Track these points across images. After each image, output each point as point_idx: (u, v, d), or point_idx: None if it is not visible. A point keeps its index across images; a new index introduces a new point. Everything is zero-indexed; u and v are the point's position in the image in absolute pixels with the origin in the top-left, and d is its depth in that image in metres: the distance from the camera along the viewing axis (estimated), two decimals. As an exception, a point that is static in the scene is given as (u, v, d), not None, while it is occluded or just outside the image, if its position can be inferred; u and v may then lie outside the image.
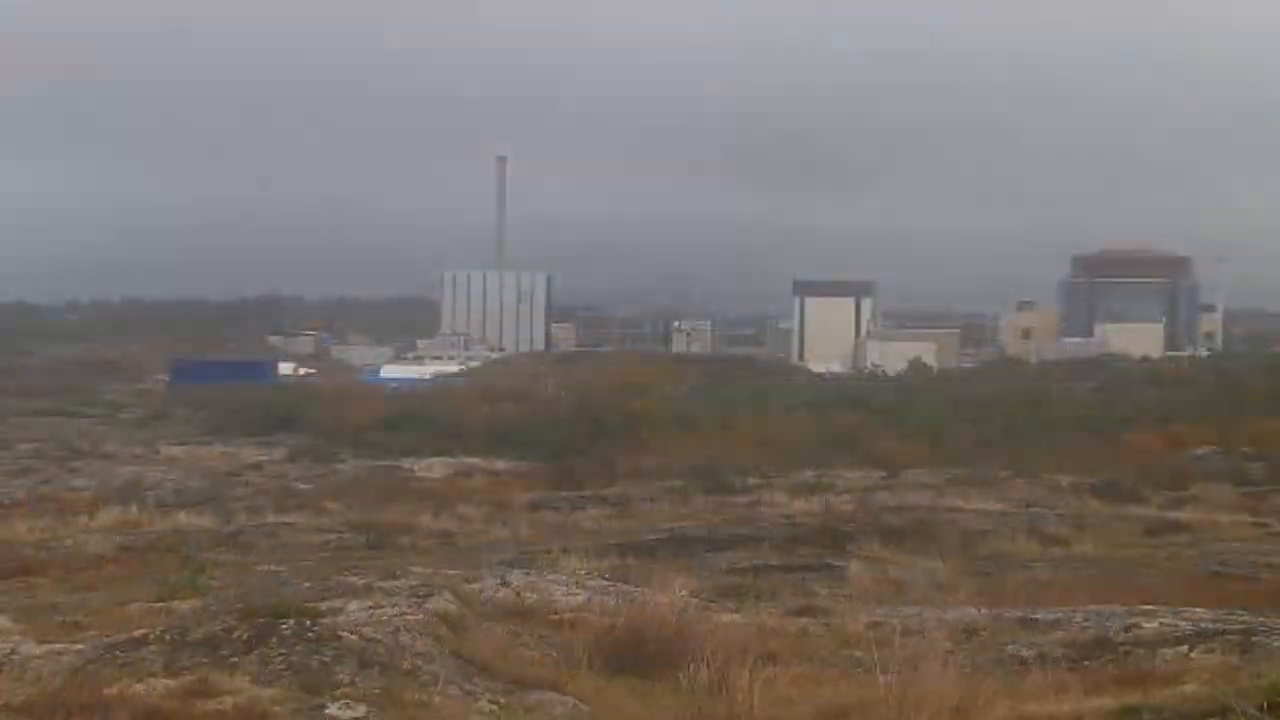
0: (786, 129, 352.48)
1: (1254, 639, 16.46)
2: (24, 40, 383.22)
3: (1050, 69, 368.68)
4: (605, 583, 22.08)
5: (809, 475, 52.83)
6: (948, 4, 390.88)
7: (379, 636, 14.11)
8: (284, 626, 13.87)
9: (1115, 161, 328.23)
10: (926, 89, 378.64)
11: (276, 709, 11.16)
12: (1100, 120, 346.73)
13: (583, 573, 24.12)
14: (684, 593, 20.75)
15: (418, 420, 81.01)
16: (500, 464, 63.51)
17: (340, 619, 14.82)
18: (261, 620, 14.14)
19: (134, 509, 41.91)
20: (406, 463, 63.14)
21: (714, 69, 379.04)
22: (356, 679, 12.64)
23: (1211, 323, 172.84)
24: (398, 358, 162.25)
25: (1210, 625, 17.82)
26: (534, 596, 20.62)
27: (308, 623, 14.05)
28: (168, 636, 14.32)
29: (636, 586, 20.70)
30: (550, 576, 22.79)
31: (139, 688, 12.09)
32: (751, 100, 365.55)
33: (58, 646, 15.35)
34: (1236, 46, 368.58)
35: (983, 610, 20.62)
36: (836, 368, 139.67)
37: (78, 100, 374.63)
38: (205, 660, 13.27)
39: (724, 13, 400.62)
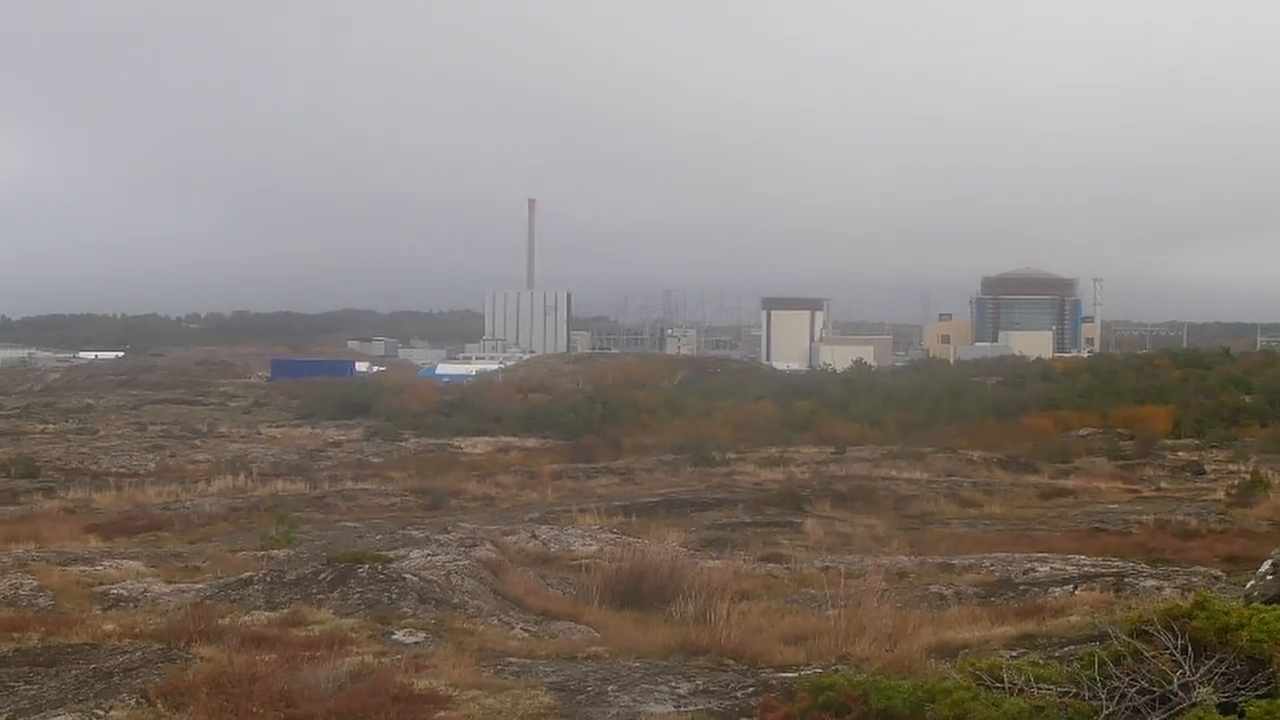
0: (764, 176, 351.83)
1: (1125, 580, 16.50)
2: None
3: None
4: (613, 536, 22.12)
5: (774, 451, 52.77)
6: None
7: (435, 578, 14.12)
8: (360, 570, 13.89)
9: (1017, 202, 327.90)
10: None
11: (354, 635, 11.16)
12: (1006, 170, 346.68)
13: (595, 528, 24.19)
14: (675, 544, 20.82)
15: (465, 407, 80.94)
16: (531, 442, 63.47)
17: (404, 564, 14.83)
18: (342, 565, 14.15)
19: (240, 478, 41.90)
20: (456, 441, 63.06)
21: (707, 135, 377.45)
22: (417, 611, 12.65)
23: (1091, 330, 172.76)
24: (450, 358, 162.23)
25: (1091, 569, 17.86)
26: (557, 547, 20.66)
27: (379, 567, 14.06)
28: (268, 578, 14.34)
29: (638, 539, 20.74)
30: (570, 531, 22.83)
31: (246, 618, 12.11)
32: (736, 147, 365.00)
33: (181, 586, 15.38)
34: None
35: (911, 557, 20.65)
36: (796, 365, 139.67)
37: (192, 159, 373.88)
38: (298, 597, 13.29)
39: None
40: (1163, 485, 41.54)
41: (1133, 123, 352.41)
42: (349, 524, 28.69)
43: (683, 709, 8.17)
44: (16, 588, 15.00)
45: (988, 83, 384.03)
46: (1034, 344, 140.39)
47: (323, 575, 13.88)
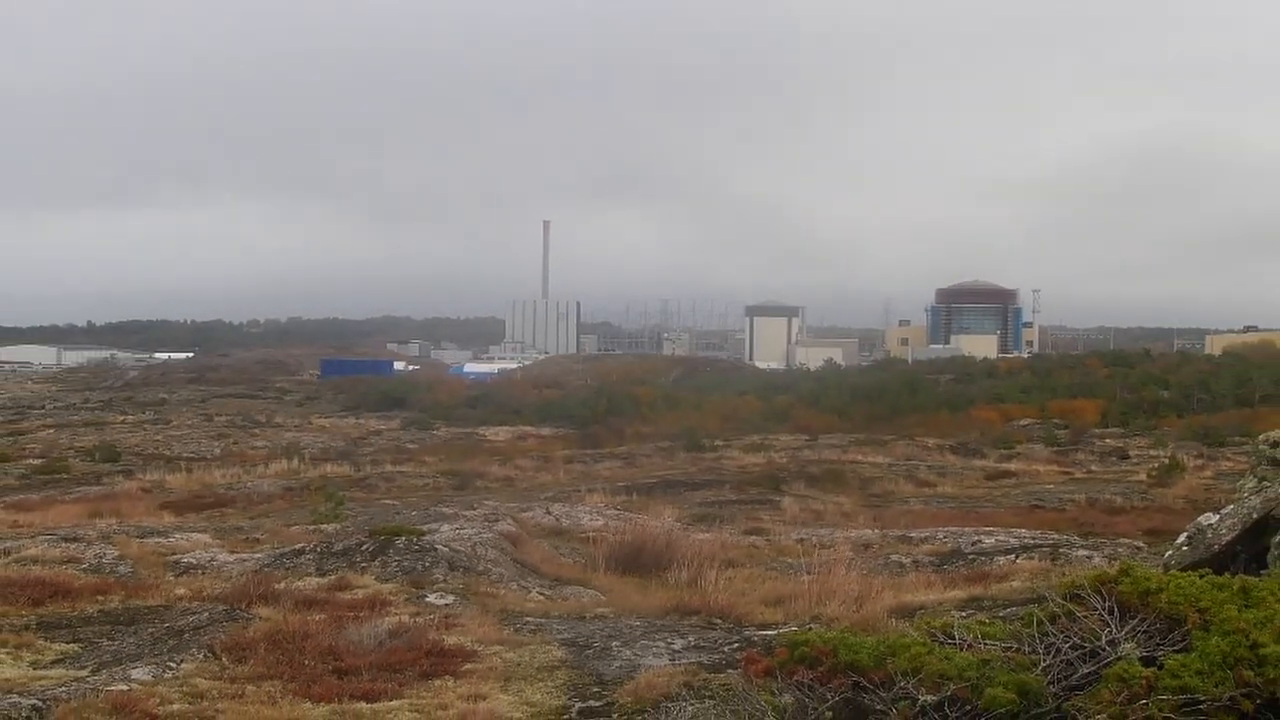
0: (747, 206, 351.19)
1: (1060, 550, 16.49)
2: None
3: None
4: (617, 512, 22.13)
5: (756, 439, 52.81)
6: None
7: (462, 548, 14.11)
8: (398, 542, 13.88)
9: (968, 224, 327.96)
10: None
11: (392, 597, 11.16)
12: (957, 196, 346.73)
13: (601, 505, 24.18)
14: (670, 519, 20.81)
15: (488, 401, 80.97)
16: (545, 431, 63.48)
17: (436, 537, 14.82)
18: (382, 537, 14.15)
19: (294, 462, 41.94)
20: (481, 430, 63.11)
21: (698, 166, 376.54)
22: (447, 577, 12.64)
23: (1031, 334, 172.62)
24: (475, 358, 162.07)
25: (1030, 541, 17.85)
26: (568, 521, 20.65)
27: (414, 539, 14.05)
28: (318, 549, 14.33)
29: (638, 515, 20.74)
30: (579, 508, 22.82)
31: (299, 584, 12.10)
32: (721, 179, 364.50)
33: (243, 555, 15.37)
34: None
35: (875, 531, 20.64)
36: (775, 365, 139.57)
37: (265, 184, 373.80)
38: (344, 564, 13.28)
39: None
40: (1093, 468, 41.56)
41: (1067, 175, 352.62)
42: (388, 502, 28.70)
43: (677, 662, 8.17)
44: (100, 557, 15.00)
45: (944, 128, 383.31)
46: (981, 346, 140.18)
47: (365, 546, 13.88)
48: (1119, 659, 4.69)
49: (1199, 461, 41.24)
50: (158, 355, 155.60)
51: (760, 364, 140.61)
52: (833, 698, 4.84)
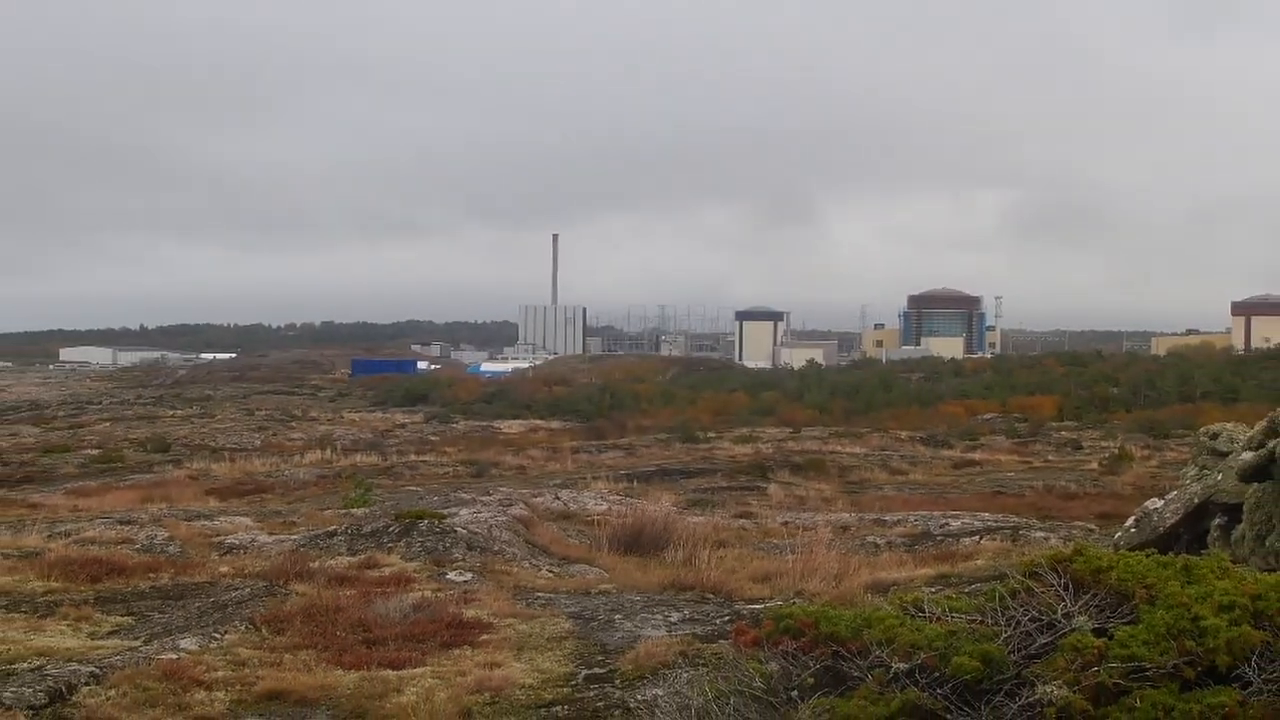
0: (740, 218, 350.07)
1: (1020, 532, 16.52)
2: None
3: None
4: (619, 498, 22.12)
5: (745, 431, 52.78)
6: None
7: (479, 530, 14.11)
8: (421, 524, 13.87)
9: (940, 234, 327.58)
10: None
11: (416, 575, 11.16)
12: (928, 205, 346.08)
13: (605, 491, 24.17)
14: (668, 504, 20.80)
15: (503, 397, 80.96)
16: (554, 424, 63.42)
17: (455, 520, 14.82)
18: (407, 520, 14.14)
19: (327, 452, 41.91)
20: (496, 423, 63.07)
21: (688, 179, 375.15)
22: (466, 556, 12.64)
23: (994, 336, 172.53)
24: (491, 358, 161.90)
25: (993, 523, 17.87)
26: (575, 506, 20.64)
27: (435, 522, 14.05)
28: (349, 531, 14.32)
29: (638, 500, 20.73)
30: (585, 494, 22.82)
31: (331, 562, 12.11)
32: (718, 189, 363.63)
33: (281, 536, 15.36)
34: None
35: (852, 514, 20.65)
36: (762, 364, 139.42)
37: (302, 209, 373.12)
38: (372, 545, 13.28)
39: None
40: (1049, 458, 41.55)
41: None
42: (412, 488, 28.67)
43: (674, 633, 8.18)
44: (152, 538, 15.00)
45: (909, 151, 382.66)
46: (948, 347, 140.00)
47: (392, 528, 13.88)
48: (1073, 630, 4.70)
49: (1146, 452, 41.24)
50: (204, 356, 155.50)
51: (749, 364, 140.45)
52: (814, 665, 4.84)
